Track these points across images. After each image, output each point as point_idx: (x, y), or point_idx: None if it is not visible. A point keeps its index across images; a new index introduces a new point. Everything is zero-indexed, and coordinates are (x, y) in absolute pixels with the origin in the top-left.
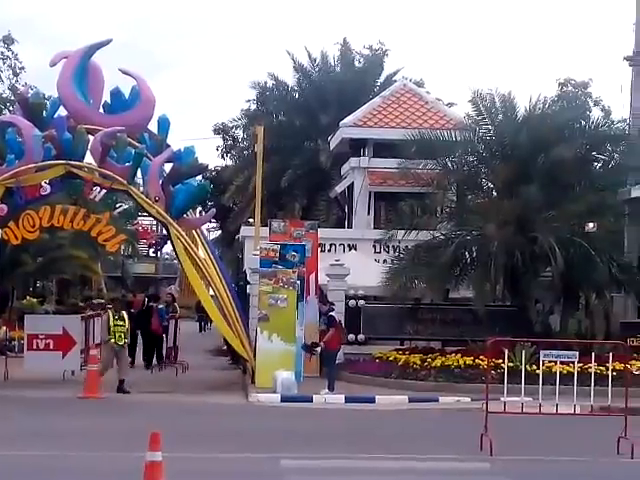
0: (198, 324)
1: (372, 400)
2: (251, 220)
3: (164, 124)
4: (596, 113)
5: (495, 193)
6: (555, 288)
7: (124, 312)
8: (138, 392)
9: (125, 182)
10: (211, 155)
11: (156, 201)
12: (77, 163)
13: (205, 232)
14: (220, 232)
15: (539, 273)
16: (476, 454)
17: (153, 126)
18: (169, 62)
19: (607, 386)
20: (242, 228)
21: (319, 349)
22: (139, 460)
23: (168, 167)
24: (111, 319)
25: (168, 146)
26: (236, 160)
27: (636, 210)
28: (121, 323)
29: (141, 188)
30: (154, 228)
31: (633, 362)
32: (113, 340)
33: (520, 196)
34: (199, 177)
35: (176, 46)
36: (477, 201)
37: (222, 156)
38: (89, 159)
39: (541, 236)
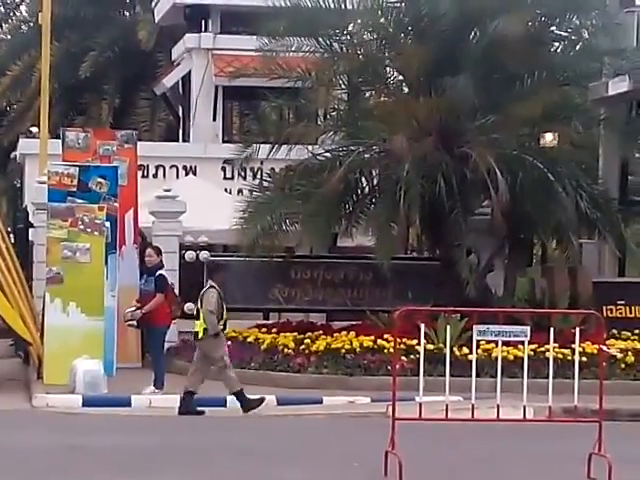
0: None
1: (221, 403)
2: (34, 129)
3: None
4: None
5: (406, 89)
6: (496, 232)
7: None
8: None
9: None
10: None
11: None
12: None
13: None
14: None
15: (473, 209)
16: None
17: None
18: None
19: (572, 377)
20: (20, 142)
21: (137, 312)
22: None
23: None
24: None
25: None
26: (11, 38)
27: (616, 114)
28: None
29: None
30: None
31: (611, 342)
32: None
33: (443, 93)
34: None
35: None
36: (379, 100)
37: None
38: None
39: (475, 153)
